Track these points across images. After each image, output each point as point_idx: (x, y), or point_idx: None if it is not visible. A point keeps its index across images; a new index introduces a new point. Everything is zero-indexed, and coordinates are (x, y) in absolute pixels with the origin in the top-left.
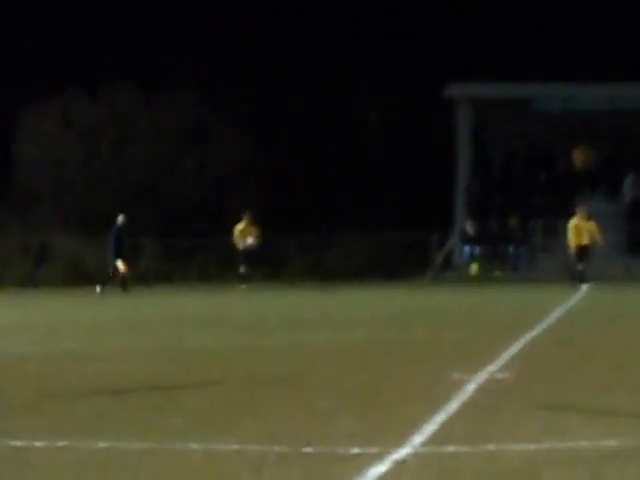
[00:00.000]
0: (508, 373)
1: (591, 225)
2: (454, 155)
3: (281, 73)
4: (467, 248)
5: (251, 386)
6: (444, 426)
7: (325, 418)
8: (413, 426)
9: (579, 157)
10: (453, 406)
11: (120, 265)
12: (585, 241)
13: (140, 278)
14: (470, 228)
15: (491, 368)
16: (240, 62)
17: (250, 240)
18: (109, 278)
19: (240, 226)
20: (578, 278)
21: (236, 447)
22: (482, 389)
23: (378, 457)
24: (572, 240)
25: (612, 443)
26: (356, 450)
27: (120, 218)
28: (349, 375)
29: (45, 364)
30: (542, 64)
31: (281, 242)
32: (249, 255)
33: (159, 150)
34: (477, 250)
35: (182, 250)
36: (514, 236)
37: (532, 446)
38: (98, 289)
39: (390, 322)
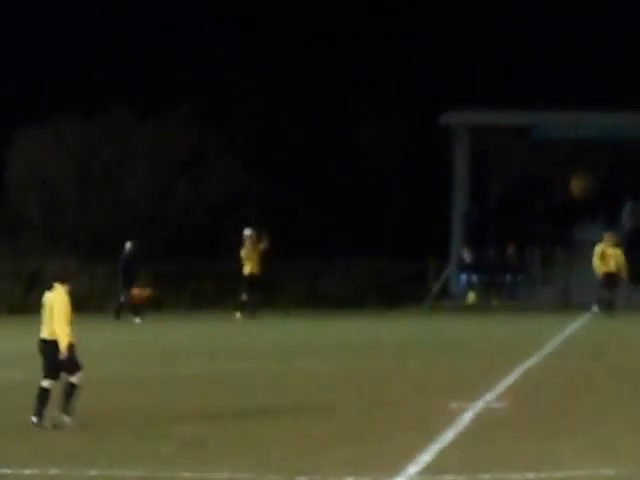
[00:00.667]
0: (505, 402)
1: (618, 253)
2: (451, 183)
3: (278, 99)
4: (464, 276)
5: (244, 413)
6: (440, 455)
7: (319, 446)
8: (408, 455)
9: (577, 185)
10: (449, 435)
11: (134, 292)
12: (612, 268)
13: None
14: (467, 256)
15: (488, 397)
16: (237, 86)
17: (262, 246)
18: (122, 306)
19: (243, 252)
20: (605, 306)
21: (228, 475)
22: (479, 418)
23: None
24: (598, 267)
25: (608, 472)
26: (350, 479)
27: (128, 245)
28: (344, 403)
29: (35, 392)
30: (541, 92)
31: (275, 269)
32: (252, 283)
33: (153, 173)
34: (474, 278)
35: (174, 276)
36: (511, 265)
37: (529, 475)
38: (137, 320)
39: (386, 351)
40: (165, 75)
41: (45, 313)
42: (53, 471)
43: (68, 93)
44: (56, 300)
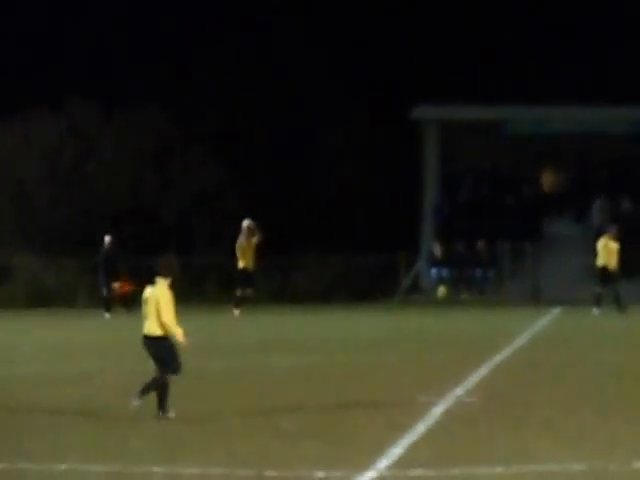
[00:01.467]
0: (475, 396)
1: (615, 246)
2: (422, 178)
3: (249, 92)
4: (435, 271)
5: (214, 408)
6: (410, 449)
7: (289, 441)
8: (379, 450)
9: (547, 180)
10: (419, 429)
11: (116, 286)
12: (611, 263)
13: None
14: (438, 251)
15: (458, 391)
16: (208, 79)
17: (255, 240)
18: (108, 300)
19: (240, 243)
20: (595, 300)
21: (198, 471)
22: (449, 412)
23: None
24: (600, 260)
25: (579, 467)
26: (321, 474)
27: (107, 239)
28: (315, 398)
29: (6, 386)
30: (512, 87)
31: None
32: (247, 277)
33: (122, 167)
34: (445, 273)
35: (145, 270)
36: (481, 259)
37: (499, 469)
38: (107, 316)
39: (357, 345)
40: (133, 70)
41: (148, 309)
42: (23, 465)
43: (36, 89)
44: (160, 295)
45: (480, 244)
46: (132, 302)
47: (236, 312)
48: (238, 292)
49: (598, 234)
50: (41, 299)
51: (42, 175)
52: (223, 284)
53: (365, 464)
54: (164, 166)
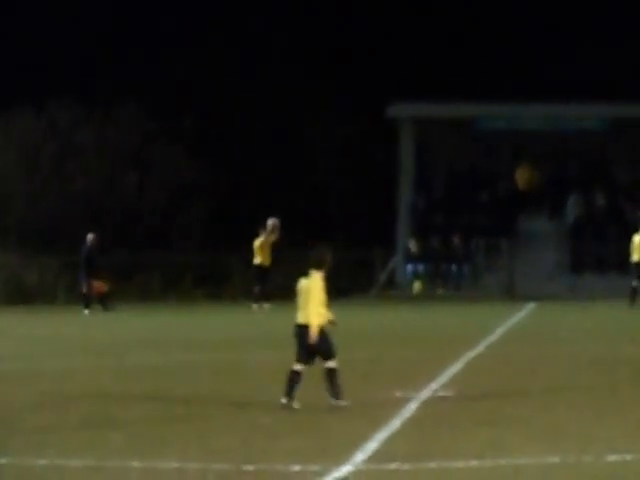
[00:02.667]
0: (451, 391)
1: None
2: (397, 174)
3: (227, 91)
4: (410, 266)
5: (192, 403)
6: (386, 444)
7: (267, 435)
8: (355, 444)
9: (522, 177)
10: (395, 424)
11: (95, 284)
12: None
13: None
14: (413, 246)
15: (434, 386)
16: (186, 79)
17: (273, 237)
18: (87, 297)
19: (258, 242)
20: (630, 294)
21: (176, 465)
22: (425, 407)
23: (319, 475)
24: (635, 256)
25: (553, 460)
26: (297, 468)
27: (89, 237)
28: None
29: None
30: (485, 84)
31: (225, 259)
32: (262, 273)
33: (101, 166)
34: (420, 268)
35: (123, 267)
36: (457, 255)
37: (474, 463)
38: (86, 312)
39: (333, 340)
40: (112, 70)
41: (301, 299)
42: (2, 461)
43: (18, 88)
44: (312, 286)
45: (455, 240)
46: (109, 300)
47: (254, 306)
48: (256, 289)
49: (572, 230)
50: (21, 296)
51: (22, 174)
52: (198, 281)
53: (342, 458)
54: (143, 164)
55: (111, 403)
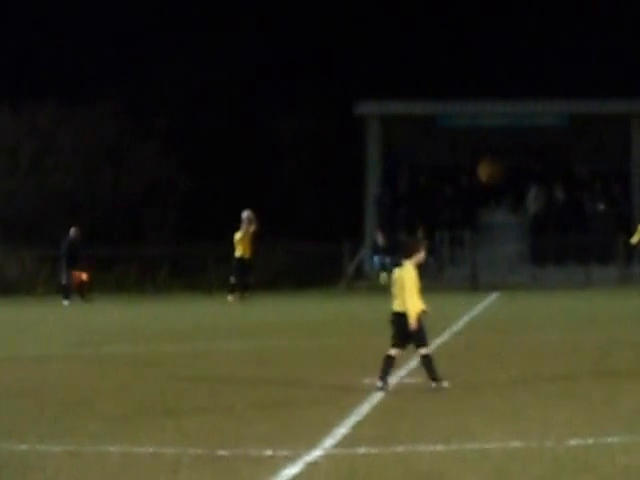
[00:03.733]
0: (417, 378)
1: None
2: (365, 170)
3: (197, 90)
4: (377, 258)
5: (168, 391)
6: (355, 429)
7: (239, 421)
8: (325, 429)
9: (484, 171)
10: (364, 409)
11: (76, 275)
12: None
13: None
14: (380, 239)
15: (401, 373)
16: (160, 78)
17: (252, 228)
18: (66, 288)
19: (238, 235)
20: None
21: (152, 450)
22: (392, 393)
23: (290, 459)
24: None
25: (517, 444)
26: (269, 452)
27: (72, 230)
28: (264, 380)
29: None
30: (448, 82)
31: (199, 252)
32: (243, 265)
33: (78, 163)
34: (387, 260)
35: (101, 260)
36: None
37: (440, 447)
38: (66, 303)
39: (304, 329)
40: (88, 69)
41: (396, 288)
42: None
43: None
44: (406, 275)
45: (420, 233)
46: (88, 290)
47: (230, 298)
48: (232, 279)
49: (533, 222)
50: (2, 288)
51: (2, 171)
52: (173, 273)
53: (312, 443)
54: (118, 160)
55: (88, 391)
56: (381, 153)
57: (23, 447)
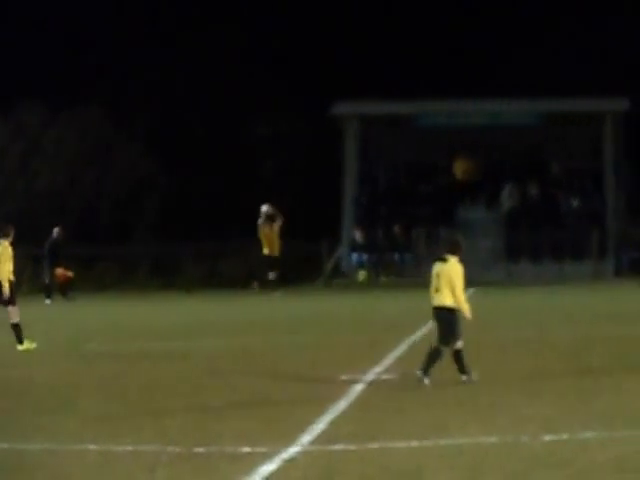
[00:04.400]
0: (394, 374)
1: None
2: (343, 169)
3: (179, 91)
4: (355, 256)
5: (148, 389)
6: (332, 425)
7: (216, 418)
8: (302, 426)
9: (459, 169)
10: (341, 406)
11: (59, 273)
12: None
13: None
14: (358, 237)
15: (378, 369)
16: (141, 80)
17: (276, 224)
18: (49, 287)
19: (261, 232)
20: None
21: (131, 448)
22: (369, 390)
23: (268, 456)
24: None
25: (492, 439)
26: (246, 449)
27: (55, 230)
28: (242, 378)
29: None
30: (425, 82)
31: (177, 251)
32: (273, 262)
33: (62, 165)
34: (364, 258)
35: (83, 259)
36: (399, 244)
37: (416, 443)
38: (48, 302)
39: (282, 327)
40: (72, 73)
41: (438, 282)
42: None
43: None
44: (452, 270)
45: (397, 230)
46: (70, 290)
47: (277, 294)
48: (270, 276)
49: (507, 218)
50: None
51: None
52: (155, 271)
53: (289, 439)
54: (102, 162)
55: (69, 389)
56: (358, 152)
57: (4, 445)
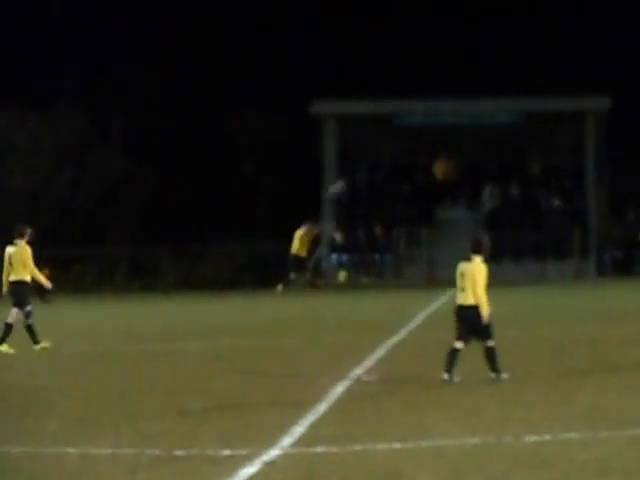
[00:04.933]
0: (375, 375)
1: None
2: (321, 168)
3: (156, 90)
4: (335, 256)
5: (126, 391)
6: (313, 428)
7: (197, 421)
8: (282, 428)
9: (439, 169)
10: (322, 408)
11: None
12: None
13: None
14: (338, 237)
15: (358, 371)
16: (120, 79)
17: (315, 230)
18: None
19: (300, 232)
20: None
21: (110, 451)
22: (350, 392)
23: (248, 458)
24: None
25: (474, 441)
26: (227, 452)
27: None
28: (221, 380)
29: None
30: (403, 81)
31: (156, 252)
32: (299, 262)
33: (38, 164)
34: (345, 258)
35: (59, 261)
36: (379, 245)
37: (397, 445)
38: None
39: (261, 328)
40: (47, 71)
41: (462, 281)
42: None
43: None
44: (476, 270)
45: (378, 230)
46: (47, 292)
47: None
48: (291, 276)
49: (488, 218)
50: None
51: None
52: (133, 273)
53: (269, 442)
54: (78, 162)
55: (48, 392)
56: (337, 152)
57: None
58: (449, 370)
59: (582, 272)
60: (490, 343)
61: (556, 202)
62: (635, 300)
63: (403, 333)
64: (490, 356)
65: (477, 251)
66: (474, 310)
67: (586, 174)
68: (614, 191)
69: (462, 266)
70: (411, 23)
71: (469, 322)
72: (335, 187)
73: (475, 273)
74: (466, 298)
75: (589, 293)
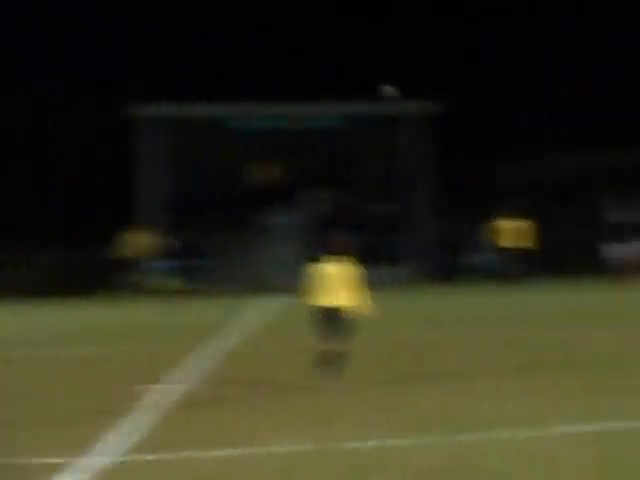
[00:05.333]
0: (201, 383)
1: None
2: (136, 174)
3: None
4: (163, 263)
5: None
6: (130, 436)
7: (9, 430)
8: (97, 437)
9: (260, 173)
10: (138, 417)
11: None
12: None
13: None
14: (167, 243)
15: (185, 379)
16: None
17: None
18: None
19: (129, 235)
20: None
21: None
22: (170, 399)
23: (62, 468)
24: None
25: (306, 447)
26: (39, 460)
27: None
28: (41, 388)
29: None
30: (225, 84)
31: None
32: (127, 264)
33: None
34: (172, 265)
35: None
36: (203, 251)
37: (227, 452)
38: None
39: (79, 338)
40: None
41: (330, 283)
42: None
43: None
44: (350, 271)
45: (201, 236)
46: None
47: None
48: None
49: (311, 223)
50: None
51: None
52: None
53: (82, 452)
54: None
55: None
56: (154, 156)
57: None
58: (328, 371)
59: (406, 277)
60: (346, 347)
61: (380, 207)
62: (460, 306)
63: (232, 340)
64: (342, 360)
65: (342, 252)
66: (341, 311)
67: (411, 178)
68: (438, 195)
69: (328, 267)
70: (245, 24)
71: (334, 323)
72: (389, 90)
73: (344, 274)
74: (331, 300)
75: (414, 298)
